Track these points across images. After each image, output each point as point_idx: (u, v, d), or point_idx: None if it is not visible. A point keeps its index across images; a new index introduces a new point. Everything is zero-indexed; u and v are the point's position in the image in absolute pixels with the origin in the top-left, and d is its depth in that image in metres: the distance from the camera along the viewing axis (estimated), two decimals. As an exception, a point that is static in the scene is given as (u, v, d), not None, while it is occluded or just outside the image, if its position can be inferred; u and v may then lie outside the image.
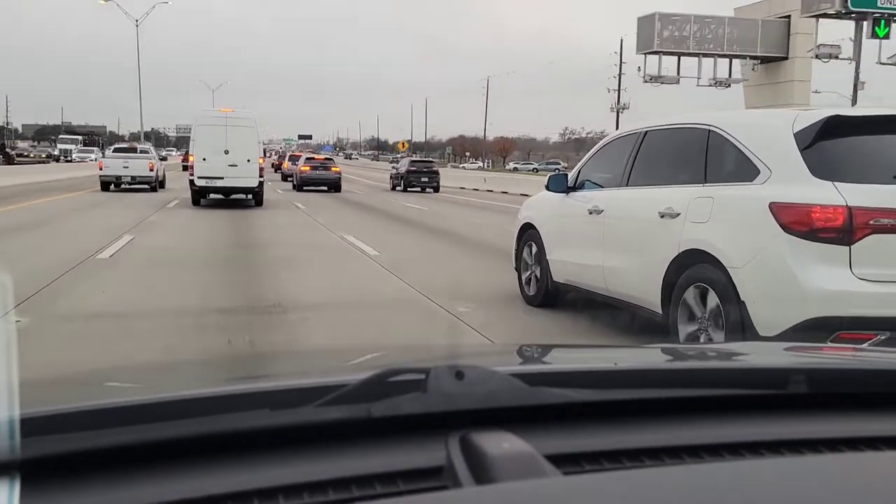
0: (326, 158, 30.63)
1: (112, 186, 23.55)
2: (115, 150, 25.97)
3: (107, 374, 1.76)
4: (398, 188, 31.30)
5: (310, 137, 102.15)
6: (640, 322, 5.26)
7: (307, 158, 30.05)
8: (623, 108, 56.74)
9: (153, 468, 0.84)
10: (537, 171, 74.63)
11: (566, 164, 76.76)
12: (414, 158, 37.55)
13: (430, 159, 39.74)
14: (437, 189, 30.63)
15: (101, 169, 24.22)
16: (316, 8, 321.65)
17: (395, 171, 34.20)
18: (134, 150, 25.85)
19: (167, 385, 1.35)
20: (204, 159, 17.82)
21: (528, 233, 6.84)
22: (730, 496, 0.70)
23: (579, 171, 6.26)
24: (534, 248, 6.67)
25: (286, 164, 37.24)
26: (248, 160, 17.97)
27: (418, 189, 30.60)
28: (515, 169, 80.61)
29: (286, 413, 0.94)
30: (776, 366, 1.33)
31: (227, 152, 17.79)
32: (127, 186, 23.73)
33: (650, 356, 1.64)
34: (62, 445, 0.84)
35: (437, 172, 31.86)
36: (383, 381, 0.96)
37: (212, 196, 18.53)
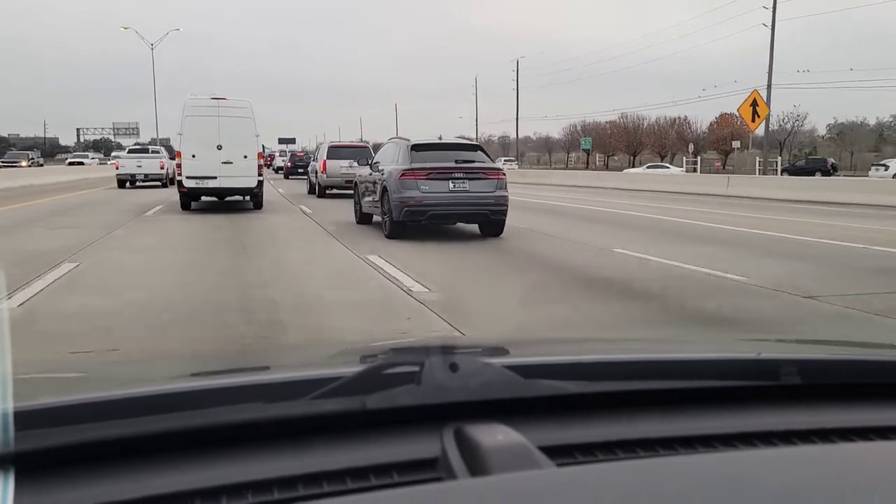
0: (461, 145, 12.47)
1: (127, 184, 26.54)
2: (130, 151, 29.50)
3: (100, 367, 1.76)
4: None
5: (293, 141, 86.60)
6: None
7: (416, 148, 11.16)
8: None
9: (148, 461, 0.84)
10: None
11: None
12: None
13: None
14: None
15: (117, 168, 27.79)
16: (285, 11, 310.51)
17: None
18: (146, 151, 29.49)
19: (162, 378, 1.35)
20: (193, 156, 15.19)
21: None
22: (723, 487, 0.70)
23: None
24: None
25: (323, 167, 21.17)
26: (245, 156, 15.44)
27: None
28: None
29: (281, 406, 0.94)
30: (769, 357, 1.34)
31: (220, 148, 15.30)
32: (141, 183, 26.61)
33: (643, 348, 1.64)
34: (56, 439, 0.84)
35: None
36: (378, 373, 0.97)
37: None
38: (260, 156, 16.13)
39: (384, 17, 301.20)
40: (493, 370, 0.99)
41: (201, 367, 1.58)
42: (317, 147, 32.27)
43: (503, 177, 11.13)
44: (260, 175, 15.79)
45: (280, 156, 53.51)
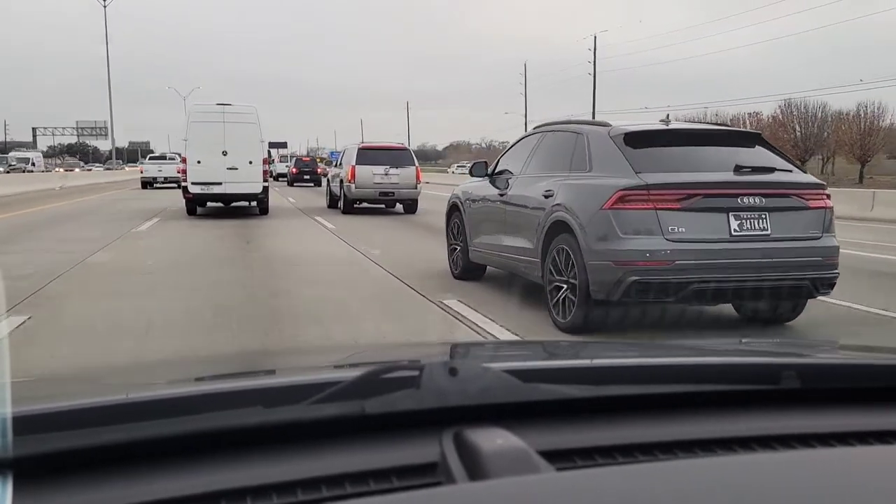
0: (722, 133, 5.92)
1: (149, 186, 31.89)
2: (151, 159, 35.62)
3: (99, 371, 1.76)
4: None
5: (284, 145, 77.59)
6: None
7: (633, 142, 5.22)
8: None
9: (147, 466, 0.84)
10: None
11: None
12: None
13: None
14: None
15: (141, 172, 34.15)
16: (280, 17, 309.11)
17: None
18: (164, 157, 35.78)
19: (161, 383, 1.35)
20: (198, 162, 15.33)
21: None
22: (722, 491, 0.70)
23: None
24: None
25: (351, 174, 16.99)
26: (250, 162, 15.47)
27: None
28: None
29: (280, 410, 0.94)
30: (768, 362, 1.34)
31: (225, 153, 15.35)
32: (160, 185, 31.83)
33: (642, 352, 1.64)
34: (55, 443, 0.83)
35: None
36: (377, 377, 0.96)
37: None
38: (265, 161, 16.05)
39: (382, 19, 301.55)
40: (492, 374, 0.99)
41: (201, 371, 1.58)
42: (333, 150, 25.49)
43: (829, 203, 5.29)
44: (265, 181, 15.72)
45: (280, 161, 48.98)
